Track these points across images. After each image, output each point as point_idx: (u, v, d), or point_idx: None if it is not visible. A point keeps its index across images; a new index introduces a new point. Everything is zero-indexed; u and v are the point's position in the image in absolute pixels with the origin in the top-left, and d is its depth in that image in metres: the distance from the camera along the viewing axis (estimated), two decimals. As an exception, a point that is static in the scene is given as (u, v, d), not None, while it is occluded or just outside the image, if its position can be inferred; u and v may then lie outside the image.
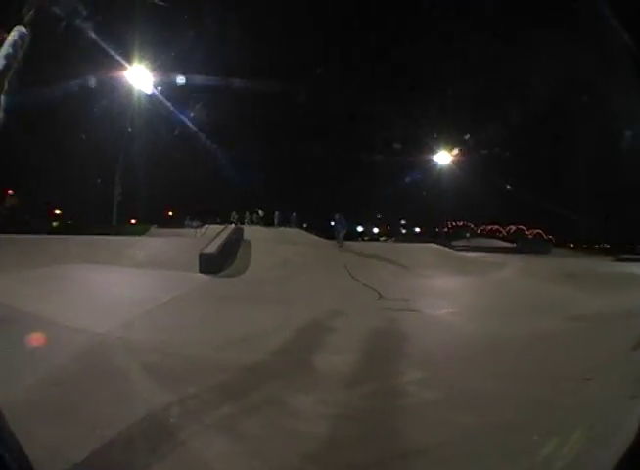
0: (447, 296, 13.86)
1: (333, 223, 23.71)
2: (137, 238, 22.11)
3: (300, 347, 7.21)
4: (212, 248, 17.09)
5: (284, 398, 5.04)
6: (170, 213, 40.37)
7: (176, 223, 34.06)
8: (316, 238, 27.52)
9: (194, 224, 30.62)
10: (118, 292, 10.71)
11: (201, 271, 15.47)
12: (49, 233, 22.67)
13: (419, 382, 5.81)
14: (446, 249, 26.43)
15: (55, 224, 31.37)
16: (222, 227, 23.11)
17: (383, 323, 9.38)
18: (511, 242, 38.63)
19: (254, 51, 32.42)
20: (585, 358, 6.91)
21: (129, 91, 26.10)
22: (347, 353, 6.77)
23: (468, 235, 41.04)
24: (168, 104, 27.85)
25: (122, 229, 27.53)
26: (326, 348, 7.20)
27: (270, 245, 21.08)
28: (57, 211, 36.35)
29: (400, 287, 14.89)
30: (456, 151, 37.96)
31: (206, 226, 26.61)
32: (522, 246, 35.84)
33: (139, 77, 25.17)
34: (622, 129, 28.23)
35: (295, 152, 39.43)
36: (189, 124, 31.06)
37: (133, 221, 35.77)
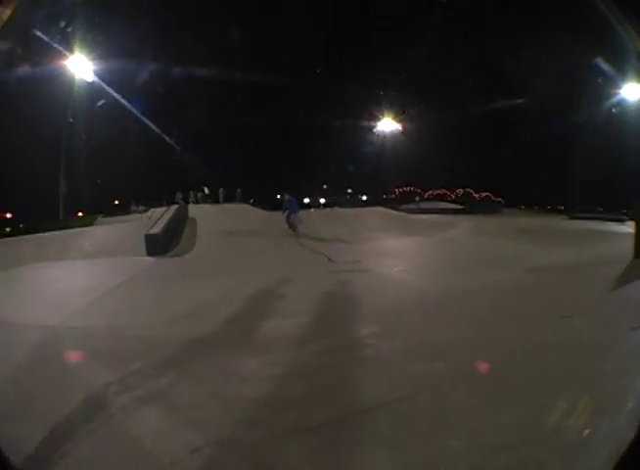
0: (399, 256, 13.82)
1: (283, 205, 20.66)
2: (83, 229, 21.17)
3: (249, 314, 7.10)
4: (157, 229, 16.74)
5: (229, 364, 4.89)
6: (117, 202, 39.12)
7: (123, 211, 32.72)
8: (262, 211, 27.15)
9: (139, 209, 29.65)
10: (68, 285, 10.16)
11: (148, 253, 15.21)
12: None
13: (376, 335, 5.74)
14: (393, 211, 26.54)
15: (8, 229, 29.80)
16: (166, 208, 22.69)
17: (333, 285, 9.26)
18: (459, 205, 39.30)
19: (190, 30, 31.32)
20: (554, 301, 7.08)
21: (69, 80, 24.83)
22: (298, 317, 6.66)
23: (417, 199, 41.14)
24: (110, 90, 26.80)
25: (70, 223, 26.35)
26: (275, 313, 7.11)
27: (215, 221, 20.94)
28: (8, 215, 34.65)
29: (350, 250, 14.76)
30: (402, 118, 37.88)
31: (152, 210, 25.57)
32: (470, 207, 36.24)
33: (79, 66, 24.24)
34: (575, 91, 28.94)
35: (236, 125, 38.31)
36: (132, 110, 29.82)
37: (80, 214, 34.52)
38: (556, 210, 39.50)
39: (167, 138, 33.74)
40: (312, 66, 37.57)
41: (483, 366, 4.68)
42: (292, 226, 19.21)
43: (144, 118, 31.42)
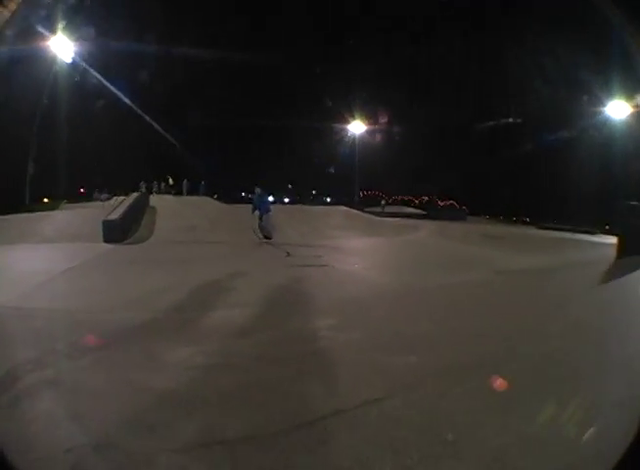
0: (360, 253, 13.67)
1: (252, 202, 16.87)
2: (44, 213, 20.98)
3: (197, 304, 6.77)
4: (115, 215, 16.93)
5: (158, 352, 4.46)
6: (82, 190, 38.60)
7: (88, 198, 33.44)
8: (224, 205, 27.08)
9: (102, 197, 29.65)
10: (19, 267, 10.06)
11: (105, 240, 15.22)
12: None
13: (331, 327, 5.36)
14: (356, 211, 26.60)
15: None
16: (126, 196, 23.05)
17: (290, 278, 8.99)
18: (423, 211, 39.30)
19: (164, 17, 30.87)
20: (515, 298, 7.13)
21: (48, 60, 24.20)
22: (248, 307, 6.34)
23: (383, 203, 41.11)
24: (89, 73, 26.97)
25: (34, 207, 25.94)
26: (225, 303, 6.78)
27: (176, 211, 21.05)
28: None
29: (310, 246, 14.57)
30: (371, 122, 37.92)
31: (115, 197, 25.44)
32: (434, 214, 36.22)
33: (59, 46, 23.58)
34: (549, 105, 29.40)
35: (205, 121, 37.84)
36: (108, 95, 29.64)
37: (46, 200, 33.97)
38: (522, 221, 39.93)
39: (138, 127, 33.66)
40: (283, 66, 37.23)
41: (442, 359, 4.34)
42: (263, 231, 15.85)
43: (120, 106, 31.44)
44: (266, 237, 15.57)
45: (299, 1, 38.49)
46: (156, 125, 33.61)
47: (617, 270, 8.76)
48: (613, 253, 10.53)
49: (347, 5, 38.80)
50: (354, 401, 3.34)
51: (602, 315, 6.02)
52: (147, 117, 33.00)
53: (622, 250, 9.81)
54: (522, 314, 6.17)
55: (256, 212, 16.02)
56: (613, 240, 12.51)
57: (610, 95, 23.26)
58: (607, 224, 22.72)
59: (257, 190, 16.90)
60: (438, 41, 36.24)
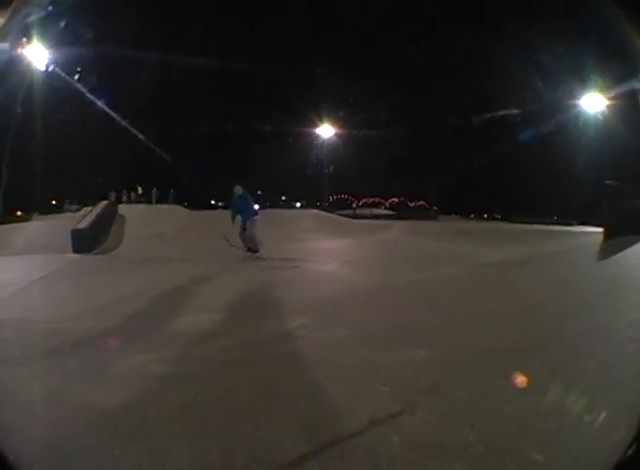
0: (333, 254, 13.43)
1: (232, 206, 13.49)
2: (17, 225, 21.41)
3: (163, 309, 6.49)
4: (83, 224, 16.80)
5: (110, 360, 4.04)
6: (54, 201, 38.95)
7: (59, 209, 33.91)
8: (193, 212, 26.93)
9: (72, 208, 29.61)
10: None
11: (74, 249, 15.00)
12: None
13: (306, 326, 5.01)
14: (327, 214, 26.35)
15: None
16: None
17: (262, 280, 8.76)
18: (395, 212, 39.36)
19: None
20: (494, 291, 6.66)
21: (20, 69, 23.10)
22: (216, 312, 6.02)
23: (355, 205, 41.09)
24: (64, 81, 25.68)
25: (6, 220, 25.79)
26: (191, 308, 6.49)
27: (145, 220, 20.70)
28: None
29: (282, 249, 14.16)
30: (340, 125, 37.70)
31: (85, 208, 25.12)
32: (406, 214, 36.19)
33: (35, 54, 22.70)
34: (521, 102, 29.54)
35: (175, 128, 37.39)
36: (80, 104, 29.04)
37: (19, 213, 34.62)
38: (494, 217, 40.18)
39: (111, 136, 33.45)
40: (251, 71, 36.89)
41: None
42: (246, 242, 12.62)
43: (94, 114, 30.63)
44: (250, 250, 12.47)
45: (270, 5, 38.29)
46: (128, 132, 33.32)
47: (607, 251, 8.51)
48: (597, 239, 10.25)
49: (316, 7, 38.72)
50: (356, 423, 2.56)
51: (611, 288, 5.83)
52: (120, 125, 32.64)
53: (609, 232, 9.56)
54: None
55: (238, 218, 12.71)
56: (592, 229, 12.40)
57: (584, 88, 23.17)
58: (584, 215, 22.83)
59: (237, 189, 13.10)
60: (406, 41, 36.40)
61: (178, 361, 3.88)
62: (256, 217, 12.81)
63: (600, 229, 10.36)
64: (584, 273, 7.47)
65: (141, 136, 32.82)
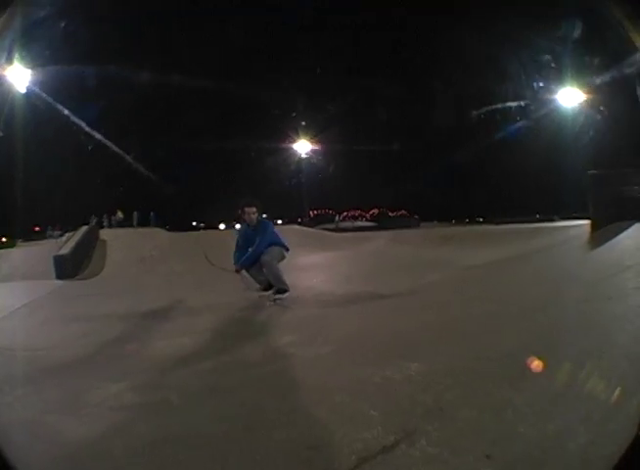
0: (318, 268, 13.19)
1: (238, 237, 8.81)
2: (1, 251, 21.53)
3: (143, 334, 6.26)
4: (65, 250, 16.99)
5: (83, 388, 3.77)
6: (37, 228, 39.06)
7: (42, 235, 33.81)
8: (175, 234, 26.96)
9: (54, 234, 29.38)
10: None
11: (57, 276, 15.06)
12: None
13: (292, 344, 4.77)
14: (309, 229, 26.23)
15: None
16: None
17: (244, 301, 8.37)
18: (376, 223, 39.36)
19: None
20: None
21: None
22: (197, 335, 5.78)
23: (337, 219, 41.03)
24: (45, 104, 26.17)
25: None
26: (172, 333, 6.19)
27: (126, 244, 20.90)
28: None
29: None
30: (316, 140, 37.72)
31: (67, 234, 24.97)
32: (387, 224, 36.16)
33: (13, 76, 22.49)
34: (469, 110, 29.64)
35: (152, 150, 37.47)
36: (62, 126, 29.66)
37: (4, 239, 34.80)
38: (475, 221, 40.28)
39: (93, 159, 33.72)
40: (224, 87, 36.91)
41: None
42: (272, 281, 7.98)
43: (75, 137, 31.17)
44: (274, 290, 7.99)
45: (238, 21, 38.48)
46: (108, 155, 33.59)
47: (597, 240, 8.32)
48: (584, 230, 10.07)
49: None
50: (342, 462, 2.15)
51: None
52: (100, 147, 33.10)
53: (596, 223, 9.35)
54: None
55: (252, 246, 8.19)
56: (578, 222, 12.20)
57: (561, 82, 22.79)
58: (568, 209, 22.76)
59: (250, 212, 8.17)
60: (376, 47, 36.68)
61: (146, 389, 3.63)
62: (274, 254, 8.13)
63: (585, 221, 10.21)
64: (570, 268, 7.29)
65: (125, 157, 33.06)
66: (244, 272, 8.46)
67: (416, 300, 6.72)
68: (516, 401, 2.46)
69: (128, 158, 34.21)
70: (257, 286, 8.43)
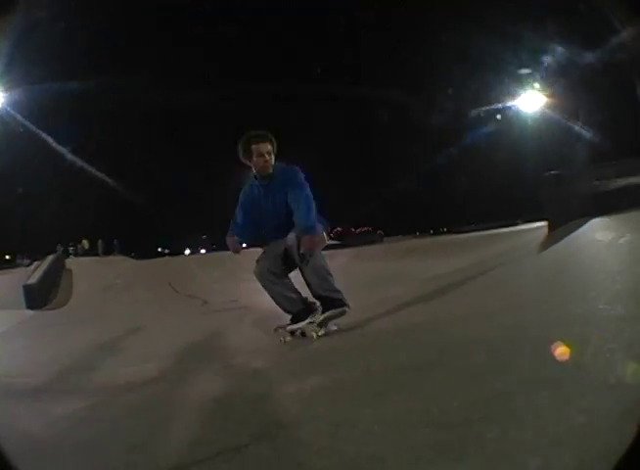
0: None
1: (242, 197, 5.76)
2: None
3: (102, 363, 6.12)
4: (33, 279, 17.55)
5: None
6: (8, 256, 41.73)
7: (13, 264, 35.33)
8: (138, 261, 28.53)
9: (24, 262, 31.29)
10: None
11: (27, 305, 15.58)
12: None
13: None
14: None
15: None
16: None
17: (207, 325, 8.64)
18: (338, 241, 39.49)
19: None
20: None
21: None
22: (161, 359, 5.67)
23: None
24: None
25: None
26: (130, 359, 6.15)
27: (91, 273, 21.78)
28: None
29: (228, 291, 14.06)
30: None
31: (36, 262, 25.93)
32: (350, 241, 36.13)
33: None
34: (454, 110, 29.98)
35: (120, 174, 37.83)
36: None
37: None
38: (440, 232, 40.83)
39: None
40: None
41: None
42: (316, 290, 5.29)
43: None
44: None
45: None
46: (76, 182, 34.06)
47: (553, 239, 8.43)
48: (542, 232, 10.23)
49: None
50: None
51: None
52: (70, 173, 33.49)
53: (552, 223, 9.46)
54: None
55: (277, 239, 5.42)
56: (536, 224, 12.33)
57: (521, 87, 22.73)
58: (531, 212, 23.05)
59: (264, 151, 5.11)
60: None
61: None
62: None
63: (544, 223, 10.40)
64: (524, 270, 7.38)
65: (92, 183, 32.93)
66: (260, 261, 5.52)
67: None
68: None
69: (95, 184, 34.54)
70: (285, 305, 5.38)
